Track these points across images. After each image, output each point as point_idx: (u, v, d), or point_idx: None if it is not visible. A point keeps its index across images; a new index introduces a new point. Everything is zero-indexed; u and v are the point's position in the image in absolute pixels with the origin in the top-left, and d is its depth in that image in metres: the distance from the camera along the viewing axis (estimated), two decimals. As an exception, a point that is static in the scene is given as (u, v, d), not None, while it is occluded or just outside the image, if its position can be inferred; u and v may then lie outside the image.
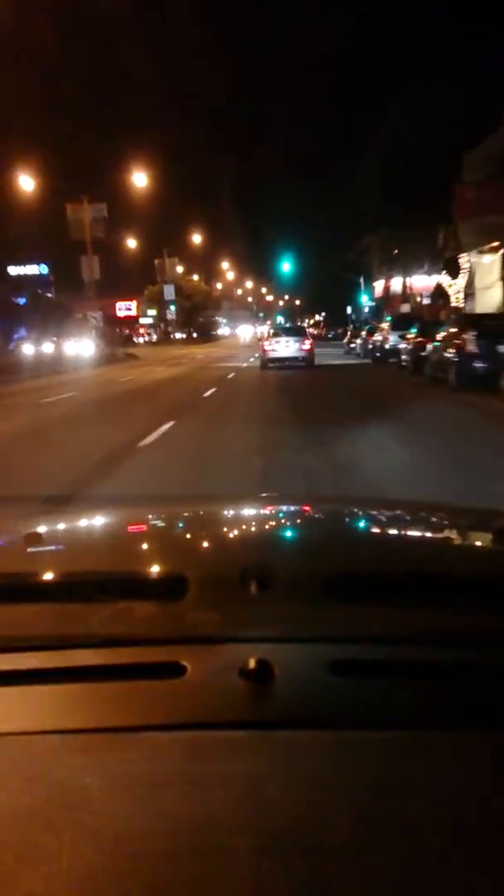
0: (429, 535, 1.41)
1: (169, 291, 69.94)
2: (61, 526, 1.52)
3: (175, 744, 0.68)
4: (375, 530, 1.47)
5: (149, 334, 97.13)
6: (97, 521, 1.62)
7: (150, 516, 1.61)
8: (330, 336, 67.82)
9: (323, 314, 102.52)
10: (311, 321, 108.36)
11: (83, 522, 1.58)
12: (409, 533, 1.44)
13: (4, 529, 1.41)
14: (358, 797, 0.60)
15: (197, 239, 71.17)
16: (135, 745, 0.68)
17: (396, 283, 53.46)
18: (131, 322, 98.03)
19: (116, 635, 0.87)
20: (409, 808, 0.59)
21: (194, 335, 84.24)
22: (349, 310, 66.50)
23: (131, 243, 66.69)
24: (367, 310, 59.90)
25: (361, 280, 58.90)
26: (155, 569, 1.08)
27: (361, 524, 1.53)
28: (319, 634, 0.86)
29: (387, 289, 56.13)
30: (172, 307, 74.18)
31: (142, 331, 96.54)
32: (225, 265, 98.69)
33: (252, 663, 0.75)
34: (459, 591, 0.94)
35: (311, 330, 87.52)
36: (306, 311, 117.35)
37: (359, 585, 0.95)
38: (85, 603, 0.93)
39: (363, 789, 0.61)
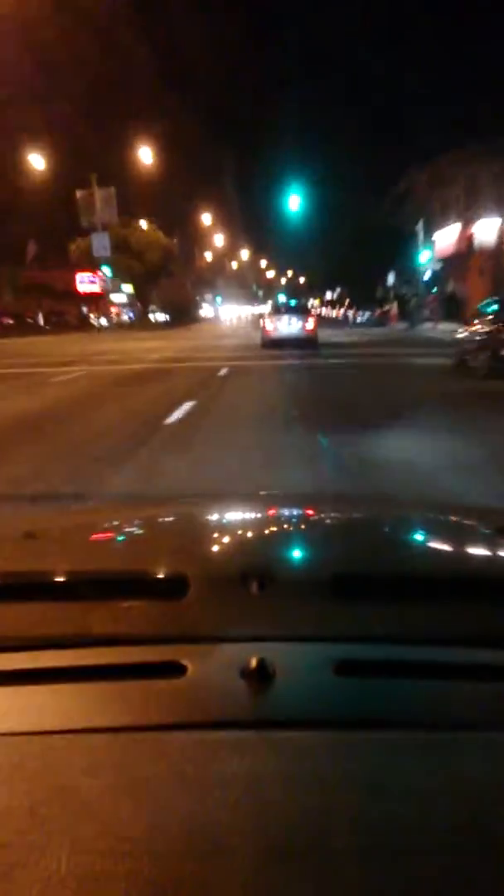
0: (433, 533, 1.37)
1: (101, 243, 41.27)
2: (60, 523, 1.51)
3: (175, 744, 0.68)
4: (378, 529, 1.43)
5: (117, 315, 75.67)
6: (96, 518, 1.59)
7: (150, 514, 1.57)
8: (362, 320, 44.41)
9: (338, 290, 79.77)
10: (317, 300, 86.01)
11: (82, 520, 1.58)
12: (413, 531, 1.40)
13: (3, 526, 1.39)
14: (360, 798, 0.60)
15: (148, 158, 44.22)
16: (134, 746, 0.68)
17: (484, 230, 31.54)
18: (97, 299, 76.47)
19: (115, 634, 0.86)
20: (411, 809, 0.59)
21: (157, 317, 61.80)
22: (390, 279, 44.22)
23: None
24: (427, 275, 37.77)
25: (420, 228, 36.56)
26: (155, 567, 1.05)
27: (364, 522, 1.48)
28: (321, 634, 0.85)
29: (466, 241, 34.43)
30: (106, 269, 46.05)
31: (114, 311, 75.12)
32: (207, 220, 74.26)
33: (253, 663, 0.74)
34: (464, 591, 0.93)
35: (325, 311, 63.72)
36: (317, 288, 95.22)
37: (361, 584, 0.94)
38: (84, 602, 0.93)
39: (365, 790, 0.61)
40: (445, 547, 1.26)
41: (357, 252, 51.61)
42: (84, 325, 59.00)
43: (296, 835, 0.56)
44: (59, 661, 0.81)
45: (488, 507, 1.77)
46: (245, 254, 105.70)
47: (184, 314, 62.23)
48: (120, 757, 0.66)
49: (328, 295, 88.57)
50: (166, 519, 1.53)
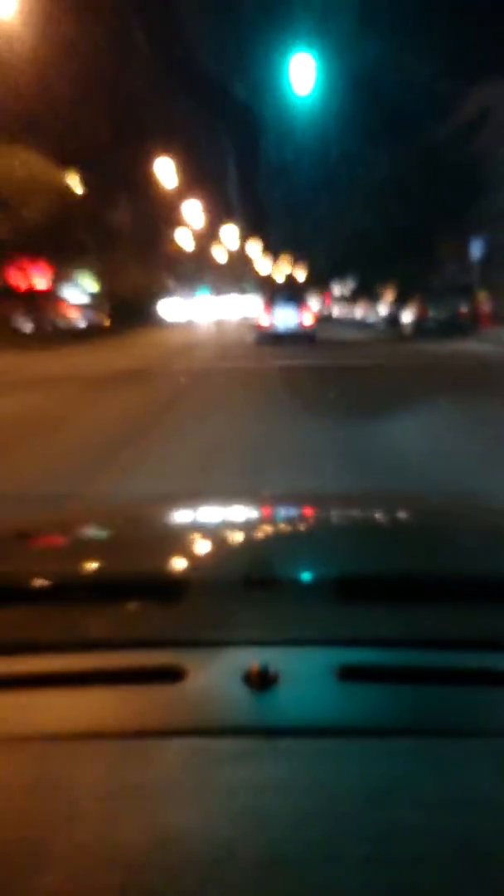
0: (438, 534, 1.34)
1: None
2: (58, 525, 1.48)
3: (175, 751, 0.67)
4: (382, 530, 1.40)
5: (64, 318, 56.29)
6: (95, 520, 1.56)
7: (149, 515, 1.56)
8: (427, 322, 23.04)
9: (351, 281, 59.58)
10: (321, 294, 66.38)
11: (81, 522, 1.55)
12: (418, 532, 1.38)
13: (0, 528, 1.37)
14: (364, 806, 0.59)
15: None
16: (133, 752, 0.67)
17: None
18: (44, 297, 57.15)
19: (114, 638, 0.85)
20: (415, 816, 0.58)
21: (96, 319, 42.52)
22: (475, 251, 24.36)
23: None
24: None
25: None
26: (155, 570, 1.06)
27: (367, 523, 1.45)
28: (325, 637, 0.84)
29: None
30: None
31: (73, 314, 55.82)
32: (170, 171, 51.86)
33: (255, 668, 0.74)
34: (469, 593, 0.92)
35: (337, 310, 43.66)
36: (322, 280, 75.71)
37: (365, 587, 0.93)
38: (83, 605, 0.92)
39: (369, 798, 0.60)
40: (451, 549, 1.22)
41: (396, 212, 31.70)
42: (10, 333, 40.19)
43: (298, 843, 0.55)
44: (58, 665, 0.79)
45: (493, 508, 1.69)
46: (234, 237, 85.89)
47: (134, 315, 42.60)
48: (119, 764, 0.65)
49: (336, 288, 68.49)
50: (166, 520, 1.49)
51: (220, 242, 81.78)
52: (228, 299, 72.26)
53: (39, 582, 0.96)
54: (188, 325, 51.63)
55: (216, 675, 0.75)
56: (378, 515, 1.51)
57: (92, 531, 1.38)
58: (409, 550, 1.19)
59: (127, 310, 43.32)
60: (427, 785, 0.62)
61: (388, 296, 27.45)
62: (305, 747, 0.66)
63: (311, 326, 20.95)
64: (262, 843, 0.55)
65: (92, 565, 1.10)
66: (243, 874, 0.52)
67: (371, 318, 32.11)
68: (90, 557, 1.16)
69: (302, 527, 1.42)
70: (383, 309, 28.15)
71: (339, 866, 0.53)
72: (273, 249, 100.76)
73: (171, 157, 48.94)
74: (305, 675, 0.75)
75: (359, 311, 36.81)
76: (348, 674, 0.75)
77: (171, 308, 58.71)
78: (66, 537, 1.32)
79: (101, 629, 0.86)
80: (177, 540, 1.30)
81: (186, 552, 1.20)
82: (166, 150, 47.65)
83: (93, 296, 51.92)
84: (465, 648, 0.81)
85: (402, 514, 1.51)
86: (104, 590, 0.94)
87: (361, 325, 33.59)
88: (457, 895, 0.51)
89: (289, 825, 0.57)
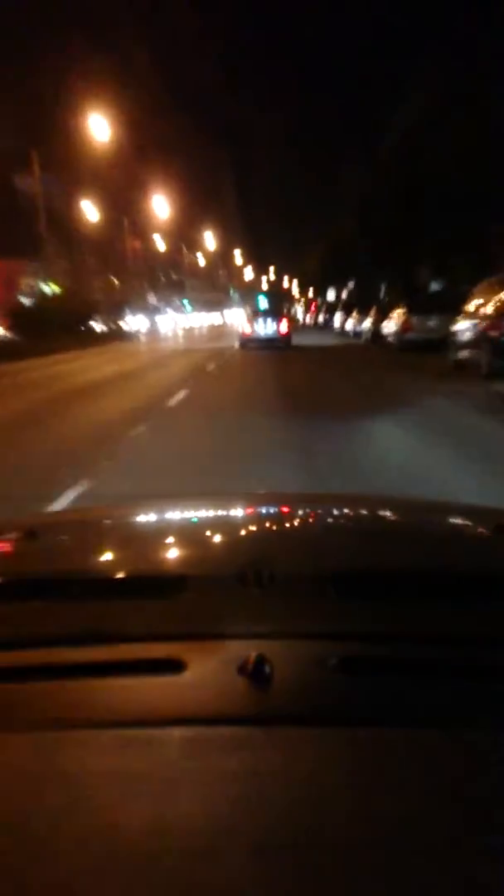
0: (432, 531, 1.39)
1: None
2: (60, 523, 1.55)
3: (173, 740, 0.69)
4: (377, 526, 1.45)
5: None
6: (95, 518, 1.62)
7: (148, 513, 1.60)
8: None
9: (351, 284, 50.30)
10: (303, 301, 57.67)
11: (81, 520, 1.61)
12: (412, 529, 1.42)
13: (3, 526, 1.42)
14: (357, 795, 0.61)
15: None
16: (133, 742, 0.69)
17: None
18: None
19: (115, 632, 0.87)
20: (409, 806, 0.59)
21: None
22: None
23: None
24: None
25: None
26: (154, 566, 1.10)
27: (363, 520, 1.50)
28: (319, 631, 0.86)
29: None
30: None
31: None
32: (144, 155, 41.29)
33: (251, 660, 0.76)
34: (463, 589, 0.95)
35: (342, 320, 36.14)
36: (316, 285, 67.10)
37: (360, 582, 0.96)
38: (83, 600, 0.95)
39: (363, 788, 0.62)
40: (445, 545, 1.25)
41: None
42: None
43: (292, 829, 0.56)
44: (58, 658, 0.81)
45: (488, 507, 1.76)
46: (215, 242, 76.74)
47: (70, 323, 33.21)
48: (118, 753, 0.67)
49: (330, 293, 59.32)
50: (165, 518, 1.54)
51: (202, 248, 72.67)
52: (209, 315, 64.39)
53: (44, 578, 0.99)
54: (148, 337, 42.37)
55: (214, 667, 0.77)
56: (373, 513, 1.53)
57: (93, 529, 1.40)
58: (403, 546, 1.21)
59: (46, 317, 31.97)
60: (419, 775, 0.63)
61: (477, 301, 14.86)
62: (300, 737, 0.67)
63: (286, 334, 23.15)
64: (258, 828, 0.56)
65: (94, 563, 1.12)
66: (239, 860, 0.53)
67: (413, 336, 20.27)
68: (92, 555, 1.19)
69: (297, 523, 1.44)
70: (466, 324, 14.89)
71: (332, 853, 0.54)
72: (260, 257, 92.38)
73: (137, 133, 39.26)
74: (300, 667, 0.77)
75: (389, 326, 23.69)
76: (342, 666, 0.77)
77: (142, 319, 49.44)
78: (70, 535, 1.34)
79: (102, 623, 0.88)
80: (175, 537, 1.33)
81: (185, 549, 1.22)
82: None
83: (45, 298, 43.12)
84: (458, 643, 0.82)
85: (396, 512, 1.53)
86: (106, 586, 0.97)
87: (401, 347, 18.81)
88: (449, 884, 0.52)
89: (283, 812, 0.58)
